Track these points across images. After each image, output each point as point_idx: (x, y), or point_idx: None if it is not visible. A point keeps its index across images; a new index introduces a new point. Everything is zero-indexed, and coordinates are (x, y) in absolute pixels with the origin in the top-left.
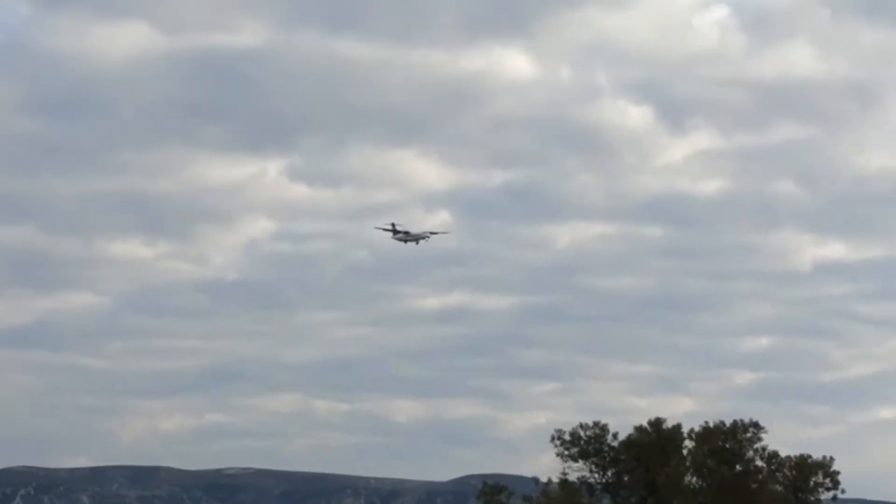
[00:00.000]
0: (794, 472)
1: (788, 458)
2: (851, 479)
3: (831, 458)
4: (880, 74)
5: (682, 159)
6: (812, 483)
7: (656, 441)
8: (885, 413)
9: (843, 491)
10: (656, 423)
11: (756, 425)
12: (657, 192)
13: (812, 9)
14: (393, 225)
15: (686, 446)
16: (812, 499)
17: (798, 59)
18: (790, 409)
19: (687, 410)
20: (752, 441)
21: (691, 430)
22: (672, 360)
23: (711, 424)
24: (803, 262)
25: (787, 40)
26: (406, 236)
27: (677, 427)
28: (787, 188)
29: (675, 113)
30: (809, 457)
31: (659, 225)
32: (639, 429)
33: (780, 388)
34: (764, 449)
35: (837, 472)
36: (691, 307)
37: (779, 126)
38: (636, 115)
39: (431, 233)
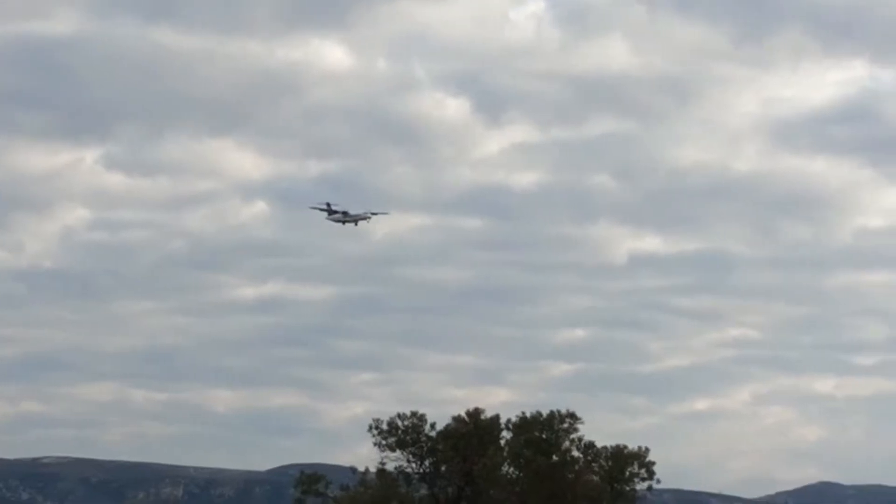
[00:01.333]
0: (609, 463)
1: (604, 448)
2: (667, 469)
3: (647, 449)
4: (695, 70)
5: (499, 152)
6: (628, 473)
7: (473, 431)
8: (700, 404)
9: (658, 481)
10: (474, 414)
11: (572, 416)
12: (474, 184)
13: (628, 4)
14: (328, 204)
15: (503, 437)
16: (628, 489)
17: (614, 54)
18: (607, 400)
19: (505, 401)
20: (568, 431)
21: (508, 421)
22: (490, 351)
23: (528, 415)
24: (619, 255)
25: (603, 35)
26: (344, 217)
27: (495, 418)
28: (604, 181)
29: (491, 105)
30: (625, 447)
31: (477, 217)
32: (456, 419)
33: (598, 379)
34: (580, 439)
35: (653, 463)
36: (509, 299)
37: (595, 120)
38: (453, 108)
39: (372, 213)
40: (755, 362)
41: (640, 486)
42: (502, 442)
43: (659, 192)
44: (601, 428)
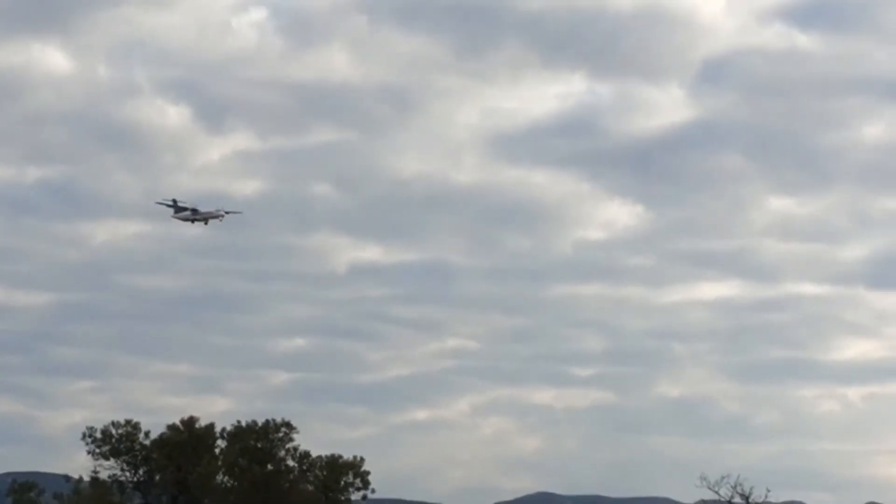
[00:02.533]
0: (325, 472)
1: (320, 457)
2: (386, 479)
3: (361, 459)
4: (417, 81)
5: (220, 160)
6: (343, 483)
7: (188, 440)
8: (420, 414)
9: (373, 490)
10: (189, 422)
11: (288, 425)
12: (195, 191)
13: (349, 14)
14: (174, 201)
15: (218, 445)
16: (342, 498)
17: (335, 64)
18: (327, 409)
19: (224, 410)
20: (283, 441)
21: (224, 430)
22: (209, 359)
23: (244, 424)
24: (340, 264)
25: (325, 44)
26: (193, 215)
27: (210, 426)
28: (325, 191)
29: (213, 113)
30: (341, 457)
31: (196, 224)
32: (171, 427)
33: (317, 388)
34: (296, 449)
35: (367, 472)
36: (228, 307)
37: (317, 129)
38: (174, 115)
39: (226, 211)
40: (474, 373)
41: (355, 495)
42: (217, 451)
43: (380, 202)
44: (319, 437)
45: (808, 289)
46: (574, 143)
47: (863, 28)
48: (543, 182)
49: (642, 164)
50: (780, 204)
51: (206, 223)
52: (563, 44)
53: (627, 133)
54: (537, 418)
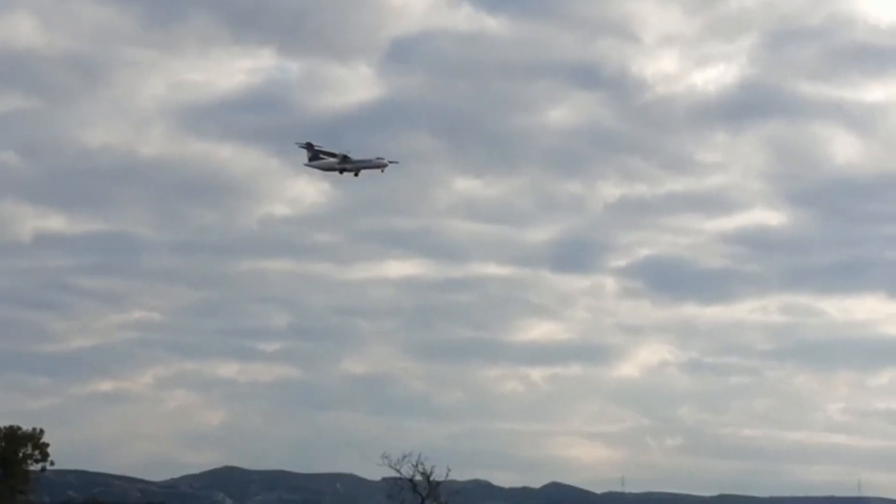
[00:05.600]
0: (2, 444)
1: None
2: (70, 451)
3: (41, 431)
4: (104, 51)
5: None
6: (21, 454)
7: None
8: (104, 386)
9: (51, 462)
10: None
11: None
12: None
13: None
14: (309, 145)
15: None
16: (22, 469)
17: (21, 30)
18: (7, 379)
19: None
20: None
21: None
22: None
23: None
24: (24, 233)
25: (10, 10)
26: (342, 163)
27: None
28: (9, 159)
29: None
30: (20, 428)
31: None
32: None
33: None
34: None
35: (47, 444)
36: None
37: (2, 97)
38: None
39: (390, 161)
40: (159, 345)
41: (34, 467)
42: None
43: (65, 173)
44: None
45: (493, 270)
46: (262, 118)
47: (550, 14)
48: (230, 157)
49: (330, 141)
50: (466, 185)
51: (356, 174)
52: (253, 19)
53: (316, 110)
54: (222, 392)
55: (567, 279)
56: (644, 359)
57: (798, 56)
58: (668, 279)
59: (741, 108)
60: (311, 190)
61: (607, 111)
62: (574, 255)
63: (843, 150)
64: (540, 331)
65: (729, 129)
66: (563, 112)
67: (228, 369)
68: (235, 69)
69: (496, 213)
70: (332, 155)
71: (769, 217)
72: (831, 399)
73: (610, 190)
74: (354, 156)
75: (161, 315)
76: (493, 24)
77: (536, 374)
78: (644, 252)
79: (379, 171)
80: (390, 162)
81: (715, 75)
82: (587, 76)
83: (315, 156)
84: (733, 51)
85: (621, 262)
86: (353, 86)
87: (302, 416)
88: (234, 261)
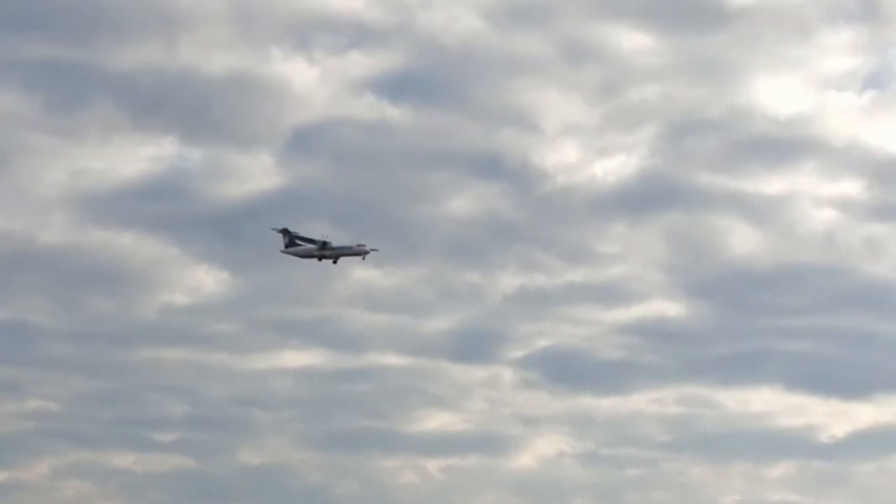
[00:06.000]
0: None
1: None
2: None
3: None
4: (4, 136)
5: None
6: None
7: None
8: None
9: None
10: None
11: None
12: None
13: None
14: (286, 231)
15: None
16: None
17: None
18: None
19: None
20: None
21: None
22: None
23: None
24: None
25: None
26: (321, 251)
27: None
28: None
29: None
30: None
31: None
32: None
33: None
34: None
35: None
36: None
37: None
38: None
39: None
40: (55, 435)
41: None
42: None
43: None
44: None
45: (392, 360)
46: (163, 206)
47: (452, 103)
48: (130, 244)
49: (230, 231)
50: (365, 274)
51: (334, 262)
52: (156, 107)
53: (217, 199)
54: (118, 483)
55: (465, 369)
56: (541, 450)
57: (698, 147)
58: (565, 370)
59: (641, 198)
60: (210, 279)
61: (508, 201)
62: (473, 346)
63: (742, 241)
64: (438, 421)
65: (628, 220)
66: (464, 202)
67: (124, 459)
68: (137, 157)
69: (395, 302)
70: (311, 241)
71: (667, 308)
72: (727, 491)
73: (509, 280)
74: (334, 242)
75: (57, 404)
76: (396, 112)
77: (433, 465)
78: (542, 343)
79: (360, 258)
80: (371, 249)
81: (615, 166)
82: (488, 166)
83: (291, 242)
84: (633, 142)
85: (519, 353)
86: (255, 174)
87: None
88: (132, 350)
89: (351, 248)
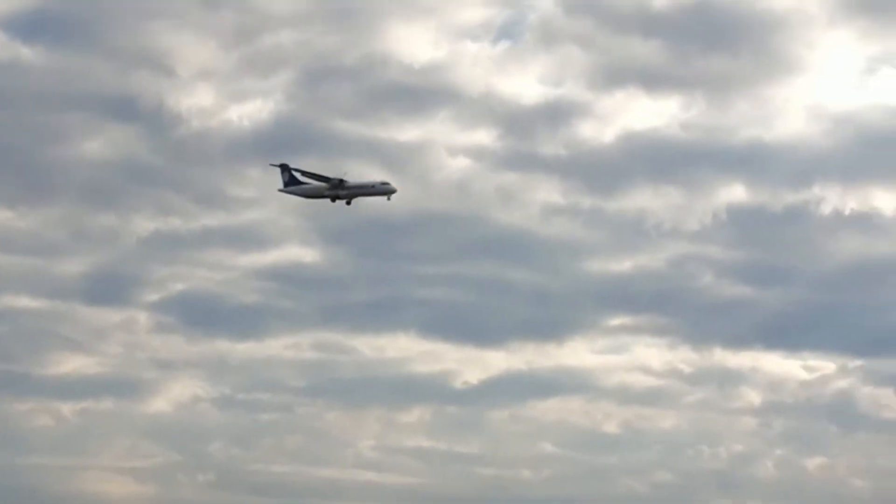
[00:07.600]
0: None
1: None
2: None
3: None
4: None
5: None
6: None
7: None
8: None
9: None
10: None
11: None
12: None
13: None
14: (283, 166)
15: None
16: None
17: None
18: None
19: None
20: None
21: None
22: None
23: None
24: None
25: None
26: (336, 188)
27: None
28: None
29: None
30: None
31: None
32: None
33: None
34: None
35: None
36: None
37: None
38: None
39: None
40: None
41: None
42: None
43: None
44: None
45: (25, 302)
46: None
47: (86, 44)
48: None
49: None
50: None
51: (348, 203)
52: None
53: None
54: None
55: (100, 312)
56: (176, 394)
57: (334, 94)
58: (201, 314)
59: (276, 144)
60: None
61: (143, 144)
62: (108, 289)
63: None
64: (72, 364)
65: (263, 166)
66: (99, 144)
67: None
68: None
69: (29, 244)
70: (323, 178)
71: (303, 254)
72: (363, 436)
73: (144, 224)
74: (351, 180)
75: None
76: (28, 52)
77: (67, 408)
78: (178, 286)
79: (385, 198)
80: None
81: (251, 111)
82: (123, 109)
83: (292, 179)
84: (269, 87)
85: (155, 297)
86: None
87: None
88: None
89: (373, 185)
